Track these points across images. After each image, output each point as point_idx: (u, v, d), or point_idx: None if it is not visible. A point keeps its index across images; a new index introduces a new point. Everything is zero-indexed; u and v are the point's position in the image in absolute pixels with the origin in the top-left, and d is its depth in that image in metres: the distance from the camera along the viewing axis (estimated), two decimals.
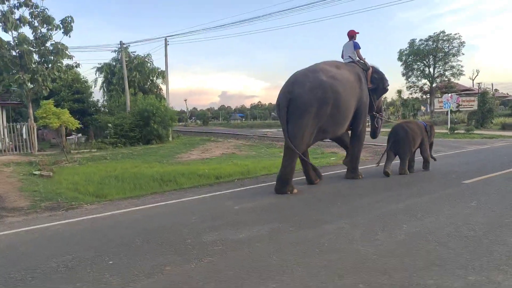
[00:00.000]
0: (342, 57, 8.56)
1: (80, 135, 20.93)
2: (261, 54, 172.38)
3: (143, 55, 29.16)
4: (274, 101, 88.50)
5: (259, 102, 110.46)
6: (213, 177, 8.93)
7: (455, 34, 30.15)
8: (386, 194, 5.88)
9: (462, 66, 30.58)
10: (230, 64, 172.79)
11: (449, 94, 22.56)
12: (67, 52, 17.48)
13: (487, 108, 23.25)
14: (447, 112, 21.17)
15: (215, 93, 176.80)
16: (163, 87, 32.08)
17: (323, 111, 6.70)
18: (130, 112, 21.53)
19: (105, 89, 29.39)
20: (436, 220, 4.32)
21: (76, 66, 23.13)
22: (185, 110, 68.62)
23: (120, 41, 22.32)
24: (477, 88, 34.65)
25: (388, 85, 8.48)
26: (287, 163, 6.66)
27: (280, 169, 6.76)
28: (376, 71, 8.36)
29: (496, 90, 66.39)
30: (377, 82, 8.20)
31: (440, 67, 31.06)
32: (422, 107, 38.36)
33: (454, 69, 30.57)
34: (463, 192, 5.80)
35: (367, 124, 8.45)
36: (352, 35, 8.42)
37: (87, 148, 18.72)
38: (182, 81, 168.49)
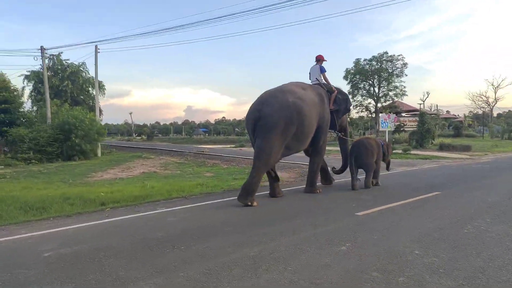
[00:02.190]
0: (309, 78, 9.19)
1: None
2: (227, 71, 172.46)
3: (78, 63, 27.23)
4: (238, 117, 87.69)
5: (223, 117, 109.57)
6: (100, 202, 7.59)
7: (398, 55, 30.75)
8: (252, 233, 4.77)
9: (405, 87, 31.10)
10: (195, 78, 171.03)
11: (387, 114, 22.49)
12: None
13: (426, 128, 23.41)
14: (386, 132, 20.98)
15: (180, 107, 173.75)
16: (101, 98, 30.19)
17: (289, 130, 7.23)
18: (50, 125, 19.49)
19: (34, 99, 27.02)
20: (278, 277, 3.23)
21: None
22: (147, 124, 66.27)
23: (41, 46, 20.30)
24: (420, 108, 35.46)
25: (351, 105, 9.35)
26: (254, 175, 7.01)
27: (248, 179, 7.13)
28: (340, 92, 9.13)
29: (447, 111, 69.85)
30: (340, 103, 8.88)
31: (385, 87, 31.42)
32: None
33: (397, 89, 31.00)
34: (346, 228, 4.81)
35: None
36: (319, 59, 9.09)
37: None
38: (146, 94, 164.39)
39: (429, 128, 23.48)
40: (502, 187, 8.28)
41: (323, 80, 8.93)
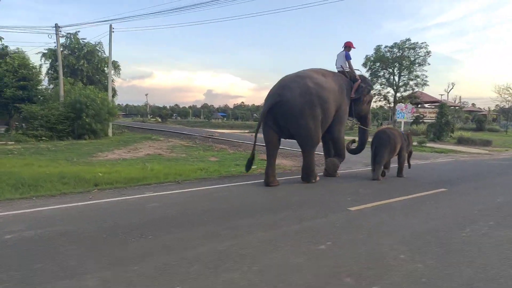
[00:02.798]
0: (336, 64, 9.10)
1: None
2: (248, 55, 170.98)
3: (94, 43, 27.18)
4: (258, 103, 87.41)
5: (242, 102, 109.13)
6: (94, 183, 7.49)
7: (422, 43, 29.48)
8: (230, 224, 4.47)
9: (426, 77, 29.86)
10: (216, 62, 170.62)
11: (404, 104, 21.63)
12: None
13: (445, 120, 22.46)
14: (402, 122, 20.20)
15: (200, 90, 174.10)
16: (116, 78, 30.23)
17: (315, 112, 7.43)
18: (62, 103, 19.58)
19: (50, 77, 27.24)
20: (238, 278, 2.93)
21: (2, 48, 21.14)
22: (167, 106, 66.83)
23: (56, 24, 20.24)
24: (441, 100, 34.14)
25: (369, 94, 9.28)
26: (306, 157, 7.62)
27: (303, 163, 7.73)
28: (364, 81, 9.09)
29: (473, 104, 67.31)
30: (362, 91, 8.77)
31: (405, 76, 30.27)
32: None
33: (418, 79, 29.79)
34: (333, 224, 4.45)
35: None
36: (347, 45, 8.91)
37: (4, 140, 16.77)
38: (167, 76, 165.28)
39: (448, 120, 22.51)
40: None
41: (348, 67, 8.87)
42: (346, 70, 8.88)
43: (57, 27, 20.13)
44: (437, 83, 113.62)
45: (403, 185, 7.60)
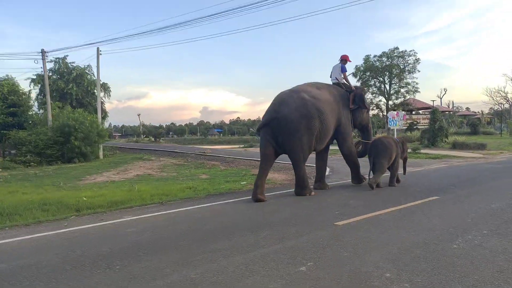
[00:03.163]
0: (330, 77, 9.33)
1: None
2: (242, 72, 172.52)
3: (83, 66, 27.17)
4: (253, 117, 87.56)
5: (238, 118, 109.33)
6: (75, 208, 7.21)
7: (410, 51, 29.66)
8: (206, 248, 4.19)
9: (417, 83, 29.94)
10: (211, 80, 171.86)
11: (395, 111, 21.54)
12: None
13: (438, 126, 22.36)
14: (395, 130, 20.05)
15: (196, 108, 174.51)
16: (106, 100, 30.11)
17: (312, 125, 7.54)
18: (51, 127, 19.34)
19: (40, 102, 27.09)
20: None
21: None
22: (163, 125, 66.87)
23: (42, 49, 20.16)
24: (433, 105, 34.16)
25: (367, 104, 9.52)
26: (299, 171, 7.62)
27: (296, 177, 7.74)
28: (358, 90, 9.28)
29: (467, 108, 67.53)
30: (359, 102, 8.87)
31: (396, 84, 30.34)
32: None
33: (409, 86, 29.86)
34: (316, 242, 4.18)
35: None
36: (343, 59, 9.15)
37: None
38: (163, 96, 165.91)
39: (441, 126, 22.42)
40: (511, 190, 7.47)
41: (343, 80, 9.10)
42: (341, 82, 9.09)
43: (43, 52, 20.07)
44: (430, 89, 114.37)
45: (394, 195, 7.36)
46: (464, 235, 4.32)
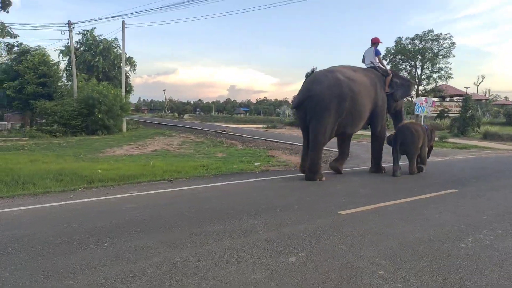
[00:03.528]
0: (363, 62, 9.06)
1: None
2: (272, 51, 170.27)
3: (110, 39, 27.38)
4: (280, 97, 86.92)
5: (265, 97, 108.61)
6: (89, 180, 7.32)
7: (446, 34, 28.06)
8: (200, 230, 4.08)
9: (451, 69, 28.44)
10: (240, 58, 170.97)
11: (424, 98, 20.57)
12: (8, 30, 15.69)
13: (469, 114, 21.26)
14: (422, 117, 19.19)
15: (224, 86, 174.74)
16: (132, 74, 30.41)
17: (342, 107, 7.36)
18: (76, 99, 19.75)
19: (68, 73, 27.65)
20: None
21: (18, 46, 21.46)
22: (191, 102, 67.83)
23: (68, 21, 20.41)
24: (466, 93, 32.45)
25: (410, 92, 9.54)
26: (314, 156, 7.40)
27: (309, 161, 7.48)
28: (397, 76, 9.06)
29: (505, 97, 63.84)
30: (397, 87, 8.66)
31: (428, 69, 28.94)
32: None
33: (442, 71, 28.42)
34: (314, 231, 3.99)
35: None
36: (375, 42, 8.88)
37: (18, 135, 17.05)
38: (191, 72, 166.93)
39: (473, 114, 21.30)
40: None
41: (378, 63, 8.86)
42: (377, 66, 8.82)
43: (70, 23, 20.30)
44: (466, 76, 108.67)
45: (411, 185, 7.01)
46: (475, 233, 4.02)
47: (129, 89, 28.49)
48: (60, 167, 8.75)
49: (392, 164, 8.18)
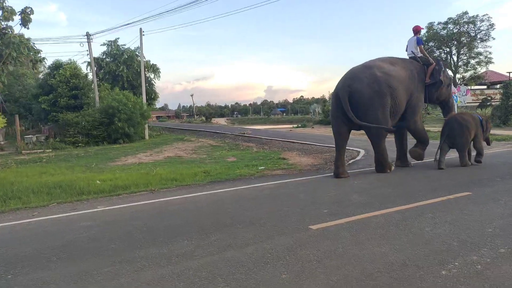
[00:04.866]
0: (406, 51, 9.00)
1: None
2: (307, 48, 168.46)
3: (134, 48, 27.83)
4: (317, 95, 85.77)
5: (302, 96, 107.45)
6: (78, 192, 7.14)
7: (483, 15, 25.82)
8: (143, 252, 3.53)
9: (490, 53, 26.08)
10: (276, 57, 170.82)
11: (457, 86, 18.85)
12: (31, 45, 16.24)
13: (511, 102, 19.27)
14: (455, 106, 17.56)
15: (261, 87, 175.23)
16: (157, 81, 30.73)
17: (384, 101, 7.43)
18: (98, 109, 20.08)
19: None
20: None
21: (41, 61, 22.18)
22: (229, 105, 68.53)
23: (87, 32, 20.84)
24: (510, 78, 29.64)
25: (447, 78, 9.00)
26: (377, 150, 7.66)
27: (375, 155, 7.81)
28: (438, 64, 8.78)
29: None
30: (437, 75, 8.46)
31: (465, 55, 26.76)
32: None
33: (481, 56, 26.13)
34: (263, 255, 3.31)
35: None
36: (417, 30, 8.94)
37: (43, 148, 17.54)
38: (229, 76, 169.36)
39: None
40: None
41: (419, 53, 8.74)
42: (418, 56, 8.71)
43: (88, 35, 20.69)
44: None
45: (416, 188, 6.07)
46: (468, 254, 3.16)
47: (153, 96, 28.82)
48: (60, 179, 8.65)
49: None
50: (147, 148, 16.72)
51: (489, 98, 29.33)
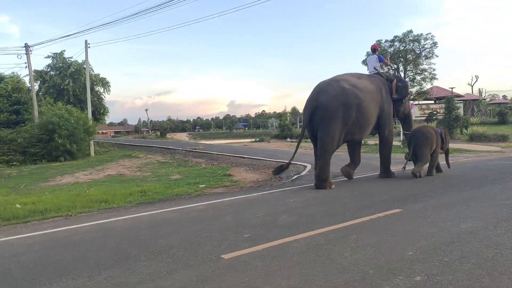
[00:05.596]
0: (367, 69, 9.50)
1: None
2: (270, 64, 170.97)
3: (81, 61, 26.54)
4: (279, 110, 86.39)
5: (263, 111, 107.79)
6: None
7: (427, 34, 27.13)
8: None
9: (434, 70, 27.36)
10: (239, 73, 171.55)
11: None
12: None
13: (453, 116, 20.16)
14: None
15: (223, 102, 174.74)
16: (107, 95, 29.50)
17: (349, 115, 7.47)
18: (36, 124, 18.73)
19: (38, 99, 26.75)
20: None
21: None
22: (190, 120, 67.37)
23: (26, 44, 19.54)
24: (452, 93, 31.40)
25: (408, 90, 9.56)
26: (322, 164, 7.48)
27: (317, 169, 7.60)
28: (400, 80, 9.43)
29: (504, 96, 62.36)
30: (401, 90, 8.81)
31: (411, 71, 27.93)
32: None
33: (425, 73, 27.36)
34: None
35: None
36: (375, 48, 9.54)
37: None
38: (191, 91, 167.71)
39: (457, 115, 20.21)
40: (502, 200, 5.74)
41: (381, 69, 9.20)
42: (381, 72, 9.09)
43: (27, 46, 19.41)
44: (465, 78, 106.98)
45: (353, 204, 5.85)
46: (381, 284, 2.85)
47: (103, 110, 27.54)
48: None
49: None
50: (88, 166, 15.68)
51: (435, 112, 30.82)
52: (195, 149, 19.29)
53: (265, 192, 7.49)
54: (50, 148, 17.78)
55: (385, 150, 8.75)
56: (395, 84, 8.74)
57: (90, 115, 20.58)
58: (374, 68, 9.08)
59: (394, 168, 9.09)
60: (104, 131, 76.70)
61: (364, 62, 29.38)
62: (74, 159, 18.49)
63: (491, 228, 4.16)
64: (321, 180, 7.40)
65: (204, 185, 9.17)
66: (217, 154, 17.06)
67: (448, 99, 21.78)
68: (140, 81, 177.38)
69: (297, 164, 12.02)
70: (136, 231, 4.87)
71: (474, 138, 19.30)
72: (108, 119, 32.00)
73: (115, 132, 71.76)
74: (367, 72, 9.33)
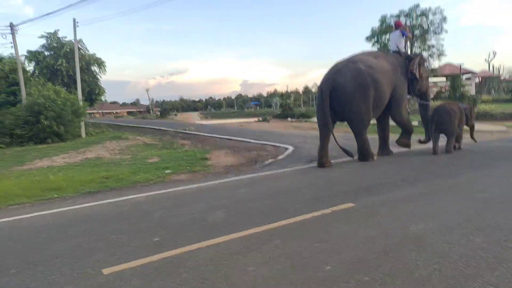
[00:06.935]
0: (390, 46, 9.58)
1: None
2: (284, 42, 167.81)
3: (79, 40, 25.83)
4: (291, 89, 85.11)
5: (275, 90, 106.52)
6: None
7: (436, 8, 25.59)
8: None
9: (443, 45, 25.93)
10: (252, 52, 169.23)
11: None
12: None
13: (459, 94, 19.03)
14: None
15: (236, 82, 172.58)
16: (103, 76, 28.92)
17: (368, 94, 7.65)
18: (23, 106, 18.33)
19: (34, 80, 26.36)
20: None
21: None
22: (203, 100, 67.20)
23: (10, 23, 18.91)
24: (460, 70, 29.85)
25: (426, 70, 9.40)
26: (359, 140, 7.87)
27: (358, 145, 7.95)
28: (422, 58, 9.34)
29: None
30: (417, 68, 8.76)
31: (419, 48, 26.52)
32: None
33: (434, 49, 25.95)
34: None
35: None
36: (399, 25, 9.58)
37: None
38: (203, 70, 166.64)
39: (462, 93, 19.07)
40: (476, 193, 4.96)
41: (403, 48, 9.18)
42: (402, 51, 9.13)
43: (12, 26, 18.78)
44: (482, 54, 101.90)
45: (305, 196, 5.18)
46: None
47: (98, 91, 27.06)
48: None
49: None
50: (72, 148, 15.26)
51: (443, 91, 29.43)
52: (185, 129, 18.70)
53: (222, 181, 6.85)
54: (37, 130, 17.39)
55: (401, 126, 8.93)
56: (413, 63, 8.73)
57: (80, 96, 20.07)
58: (397, 45, 9.09)
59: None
60: (117, 111, 76.84)
61: (368, 39, 28.09)
62: (63, 140, 18.08)
63: (444, 232, 3.45)
64: (364, 154, 7.85)
65: (169, 171, 8.61)
66: (204, 136, 16.47)
67: (453, 77, 20.55)
68: (153, 61, 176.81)
69: (280, 146, 11.40)
70: (40, 232, 4.24)
71: (479, 116, 18.16)
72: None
73: (128, 113, 72.13)
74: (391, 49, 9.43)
